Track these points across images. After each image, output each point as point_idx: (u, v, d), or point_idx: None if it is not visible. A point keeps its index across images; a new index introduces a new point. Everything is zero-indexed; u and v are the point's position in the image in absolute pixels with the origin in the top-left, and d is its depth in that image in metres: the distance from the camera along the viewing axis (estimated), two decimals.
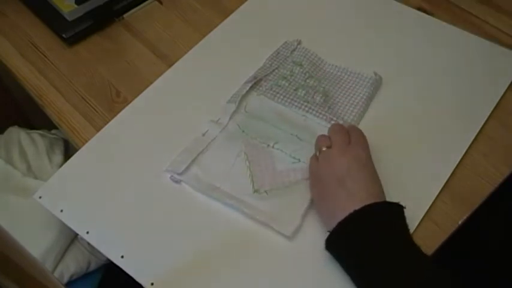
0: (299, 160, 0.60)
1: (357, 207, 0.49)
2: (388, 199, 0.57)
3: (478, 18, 0.76)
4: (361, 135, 0.57)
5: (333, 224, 0.50)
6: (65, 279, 0.71)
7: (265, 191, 0.58)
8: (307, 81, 0.68)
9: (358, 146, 0.55)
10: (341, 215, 0.50)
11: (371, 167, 0.55)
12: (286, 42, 0.72)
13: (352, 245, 0.50)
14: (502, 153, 0.62)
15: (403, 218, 0.51)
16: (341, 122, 0.63)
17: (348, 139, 0.56)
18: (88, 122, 0.66)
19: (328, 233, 0.51)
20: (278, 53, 0.71)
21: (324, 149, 0.56)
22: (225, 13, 0.77)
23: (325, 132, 0.59)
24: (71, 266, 0.72)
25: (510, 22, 0.75)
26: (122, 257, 0.54)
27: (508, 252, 0.68)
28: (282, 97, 0.66)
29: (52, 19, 0.75)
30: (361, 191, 0.51)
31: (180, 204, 0.58)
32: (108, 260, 0.55)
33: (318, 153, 0.56)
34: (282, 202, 0.57)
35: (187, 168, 0.60)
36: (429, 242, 0.55)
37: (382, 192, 0.54)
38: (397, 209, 0.52)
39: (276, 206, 0.57)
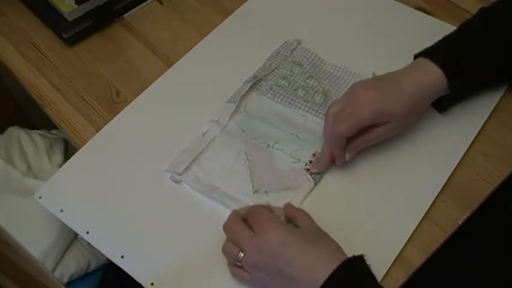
0: (299, 160, 0.60)
1: (318, 283, 0.45)
2: (388, 199, 0.57)
3: None
4: (259, 214, 0.51)
5: None
6: (65, 279, 0.71)
7: (265, 192, 0.58)
8: (307, 81, 0.68)
9: (265, 230, 0.49)
10: None
11: (290, 240, 0.48)
12: (286, 42, 0.72)
13: None
14: (502, 153, 0.62)
15: (366, 268, 0.47)
16: None
17: (250, 230, 0.50)
18: (88, 122, 0.66)
19: None
20: (278, 53, 0.71)
21: (241, 255, 0.50)
22: (225, 13, 0.77)
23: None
24: (71, 266, 0.72)
25: None
26: (122, 257, 0.54)
27: (508, 252, 0.68)
28: (281, 97, 0.66)
29: (52, 19, 0.75)
30: (305, 269, 0.47)
31: (180, 205, 0.58)
32: (108, 260, 0.55)
33: (239, 264, 0.50)
34: (282, 204, 0.56)
35: (187, 168, 0.60)
36: (429, 242, 0.55)
37: (328, 246, 0.49)
38: (360, 262, 0.47)
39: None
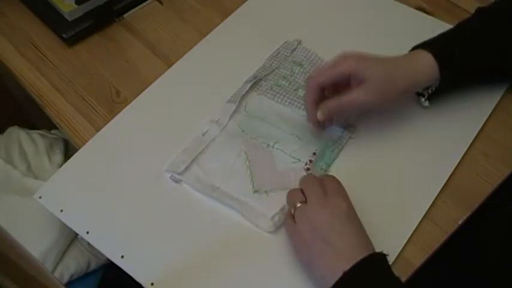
0: (299, 160, 0.60)
1: (347, 266, 0.46)
2: (387, 199, 0.57)
3: None
4: (337, 183, 0.53)
5: (324, 285, 0.48)
6: (65, 279, 0.71)
7: (265, 191, 0.58)
8: None
9: (337, 196, 0.51)
10: (331, 277, 0.47)
11: (354, 217, 0.51)
12: (286, 42, 0.72)
13: None
14: (502, 153, 0.62)
15: (388, 266, 0.49)
16: (340, 127, 0.63)
17: (323, 190, 0.51)
18: (88, 122, 0.66)
19: None
20: (278, 52, 0.71)
21: (298, 205, 0.51)
22: (225, 13, 0.77)
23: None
24: (71, 266, 0.72)
25: None
26: (122, 257, 0.54)
27: (508, 252, 0.68)
28: (282, 97, 0.66)
29: (52, 19, 0.75)
30: (348, 247, 0.48)
31: (180, 204, 0.58)
32: (108, 260, 0.55)
33: (292, 211, 0.52)
34: (282, 204, 0.56)
35: (187, 168, 0.60)
36: (429, 242, 0.55)
37: (369, 241, 0.50)
38: (383, 259, 0.49)
39: (276, 209, 0.56)
